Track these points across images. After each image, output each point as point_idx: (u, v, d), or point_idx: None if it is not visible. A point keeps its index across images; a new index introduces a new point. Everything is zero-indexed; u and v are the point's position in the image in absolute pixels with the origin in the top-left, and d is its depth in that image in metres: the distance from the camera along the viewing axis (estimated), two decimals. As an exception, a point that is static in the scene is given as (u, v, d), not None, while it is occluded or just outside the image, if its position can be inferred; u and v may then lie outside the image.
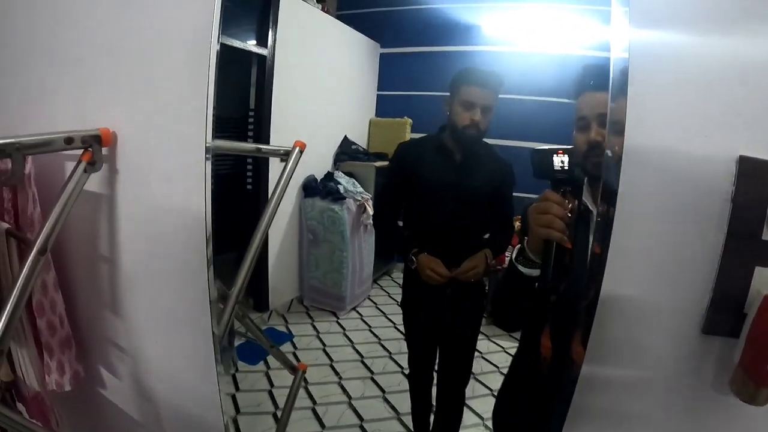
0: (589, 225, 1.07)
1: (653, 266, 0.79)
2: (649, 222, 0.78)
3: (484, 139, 1.86)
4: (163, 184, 1.06)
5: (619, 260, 0.78)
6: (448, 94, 1.81)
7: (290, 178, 1.31)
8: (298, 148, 1.35)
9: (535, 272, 1.03)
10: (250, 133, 3.45)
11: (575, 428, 0.87)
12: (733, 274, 0.76)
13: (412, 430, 2.21)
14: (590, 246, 1.05)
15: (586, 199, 1.09)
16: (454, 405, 2.13)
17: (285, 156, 1.37)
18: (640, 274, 0.80)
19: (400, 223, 2.06)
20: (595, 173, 1.05)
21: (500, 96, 1.78)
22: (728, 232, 0.75)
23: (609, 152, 0.80)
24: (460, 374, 2.07)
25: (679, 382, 0.83)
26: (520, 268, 1.06)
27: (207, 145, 0.90)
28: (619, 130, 0.75)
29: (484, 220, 1.96)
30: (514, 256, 1.08)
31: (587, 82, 1.09)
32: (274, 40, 3.39)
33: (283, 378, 2.79)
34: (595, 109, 1.05)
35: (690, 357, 0.81)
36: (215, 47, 0.88)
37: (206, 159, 0.92)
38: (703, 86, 0.75)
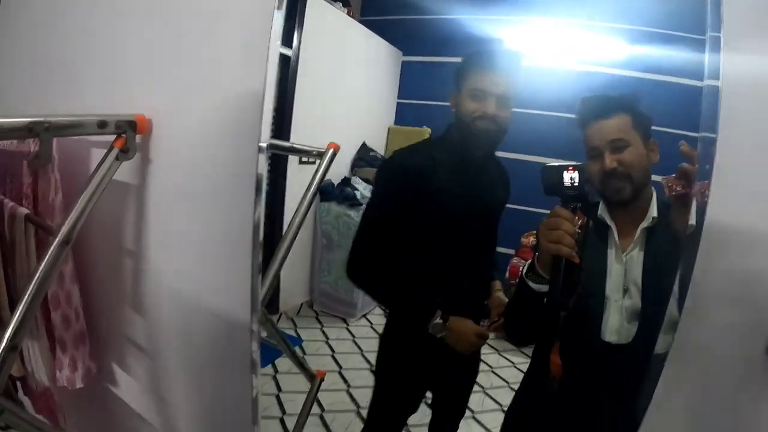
0: (607, 240, 1.13)
1: (717, 288, 0.77)
2: (724, 243, 0.75)
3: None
4: (204, 178, 1.00)
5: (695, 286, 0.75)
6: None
7: (323, 179, 1.26)
8: (332, 150, 1.30)
9: (545, 288, 1.04)
10: (270, 133, 3.42)
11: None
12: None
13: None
14: (607, 261, 1.12)
15: (603, 214, 1.14)
16: None
17: (317, 156, 1.33)
18: (708, 296, 0.77)
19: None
20: (615, 199, 1.12)
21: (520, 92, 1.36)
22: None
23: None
24: (456, 417, 1.79)
25: (745, 404, 0.79)
26: (530, 284, 1.07)
27: (260, 144, 0.86)
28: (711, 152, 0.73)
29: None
30: (524, 271, 1.09)
31: (589, 113, 1.13)
32: (299, 41, 3.37)
33: (291, 382, 2.76)
34: (605, 138, 1.09)
35: (755, 377, 0.78)
36: (277, 31, 0.81)
37: (258, 155, 0.86)
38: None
